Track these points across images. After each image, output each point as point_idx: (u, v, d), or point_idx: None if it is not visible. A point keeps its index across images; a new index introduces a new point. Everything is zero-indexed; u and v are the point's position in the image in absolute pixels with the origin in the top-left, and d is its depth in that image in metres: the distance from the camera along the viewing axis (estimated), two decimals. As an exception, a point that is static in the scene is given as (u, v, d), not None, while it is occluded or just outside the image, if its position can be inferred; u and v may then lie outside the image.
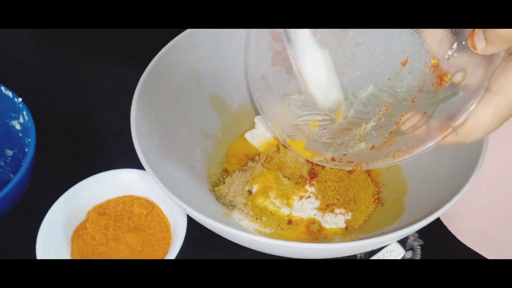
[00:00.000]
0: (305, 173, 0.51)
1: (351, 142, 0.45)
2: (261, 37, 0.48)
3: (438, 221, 0.67)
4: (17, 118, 0.53)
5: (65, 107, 0.63)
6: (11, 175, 0.55)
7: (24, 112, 0.51)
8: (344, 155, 0.45)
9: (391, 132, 0.42)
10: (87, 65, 0.68)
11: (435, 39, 0.40)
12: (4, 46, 0.71)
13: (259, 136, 0.56)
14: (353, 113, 0.46)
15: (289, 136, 0.48)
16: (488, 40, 0.34)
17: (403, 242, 0.69)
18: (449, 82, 0.39)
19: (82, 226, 0.49)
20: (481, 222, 0.60)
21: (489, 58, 0.35)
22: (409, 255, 0.68)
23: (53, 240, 0.47)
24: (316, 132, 0.47)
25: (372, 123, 0.44)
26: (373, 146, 0.43)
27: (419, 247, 0.68)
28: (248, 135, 0.57)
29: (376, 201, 0.51)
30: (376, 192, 0.52)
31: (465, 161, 0.43)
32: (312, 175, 0.52)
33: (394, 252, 0.40)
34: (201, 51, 0.54)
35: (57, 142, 0.59)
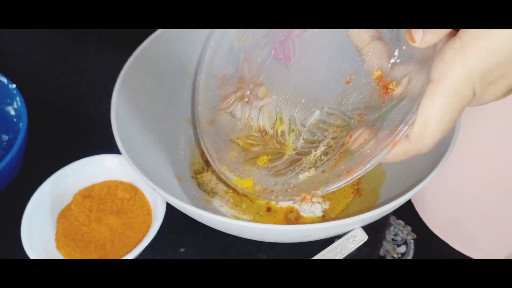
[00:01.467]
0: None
1: (301, 172, 0.43)
2: (208, 85, 0.50)
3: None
4: (12, 104, 0.55)
5: (61, 95, 0.65)
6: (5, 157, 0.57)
7: (18, 98, 0.53)
8: (293, 186, 0.44)
9: (341, 153, 0.40)
10: (85, 55, 0.70)
11: (376, 53, 0.38)
12: (2, 36, 0.73)
13: (244, 126, 0.57)
14: (302, 143, 0.46)
15: (236, 175, 0.48)
16: (425, 30, 0.32)
17: (395, 235, 0.69)
18: (394, 88, 0.37)
19: (68, 208, 0.51)
20: (452, 212, 0.60)
21: (430, 56, 0.33)
22: (403, 249, 0.68)
23: (39, 219, 0.49)
24: (264, 168, 0.47)
25: (321, 149, 0.43)
26: (323, 171, 0.41)
27: (412, 241, 0.67)
28: (233, 125, 0.58)
29: (355, 191, 0.52)
30: (355, 183, 0.52)
31: (438, 151, 0.43)
32: (292, 164, 0.52)
33: (357, 237, 0.40)
34: (188, 40, 0.55)
35: (51, 128, 0.61)
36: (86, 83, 0.67)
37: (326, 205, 0.50)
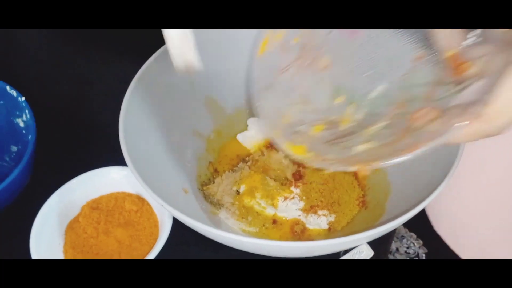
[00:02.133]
0: (289, 175, 0.52)
1: (358, 144, 0.41)
2: (268, 51, 0.49)
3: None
4: (21, 116, 0.56)
5: (68, 106, 0.66)
6: (14, 169, 0.58)
7: (27, 111, 0.54)
8: (349, 156, 0.42)
9: (403, 129, 0.39)
10: (92, 64, 0.71)
11: (451, 33, 0.37)
12: (10, 46, 0.74)
13: (251, 138, 0.58)
14: (362, 116, 0.44)
15: (289, 141, 0.45)
16: None
17: (408, 248, 0.68)
18: (467, 69, 0.36)
19: (75, 220, 0.52)
20: (482, 235, 0.59)
21: (510, 39, 0.32)
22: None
23: (47, 231, 0.49)
24: (319, 137, 0.45)
25: (382, 123, 0.41)
26: (382, 145, 0.40)
27: (424, 255, 0.67)
28: (240, 137, 0.58)
29: (361, 204, 0.52)
30: (361, 195, 0.52)
31: (444, 166, 0.43)
32: (298, 176, 0.53)
33: (363, 253, 0.40)
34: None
35: (59, 139, 0.62)
36: (95, 95, 0.67)
37: (332, 218, 0.51)
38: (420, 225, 0.68)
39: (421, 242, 0.68)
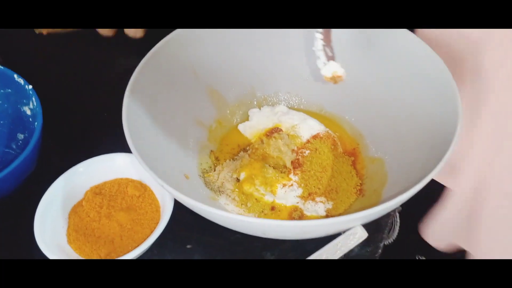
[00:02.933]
0: (288, 163, 0.53)
1: None
2: None
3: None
4: (28, 104, 0.57)
5: (75, 96, 0.68)
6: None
7: (33, 98, 0.56)
8: None
9: None
10: (98, 53, 0.72)
11: None
12: (20, 39, 0.76)
13: (251, 128, 0.59)
14: None
15: None
16: None
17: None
18: None
19: (79, 204, 0.53)
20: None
21: None
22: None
23: (51, 214, 0.51)
24: None
25: None
26: None
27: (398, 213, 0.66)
28: (241, 127, 0.59)
29: (358, 192, 0.53)
30: (359, 184, 0.53)
31: (437, 154, 0.44)
32: (297, 164, 0.54)
33: (357, 234, 0.41)
34: (198, 45, 0.57)
35: (65, 127, 0.63)
36: (100, 84, 0.69)
37: (329, 205, 0.52)
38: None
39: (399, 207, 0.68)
